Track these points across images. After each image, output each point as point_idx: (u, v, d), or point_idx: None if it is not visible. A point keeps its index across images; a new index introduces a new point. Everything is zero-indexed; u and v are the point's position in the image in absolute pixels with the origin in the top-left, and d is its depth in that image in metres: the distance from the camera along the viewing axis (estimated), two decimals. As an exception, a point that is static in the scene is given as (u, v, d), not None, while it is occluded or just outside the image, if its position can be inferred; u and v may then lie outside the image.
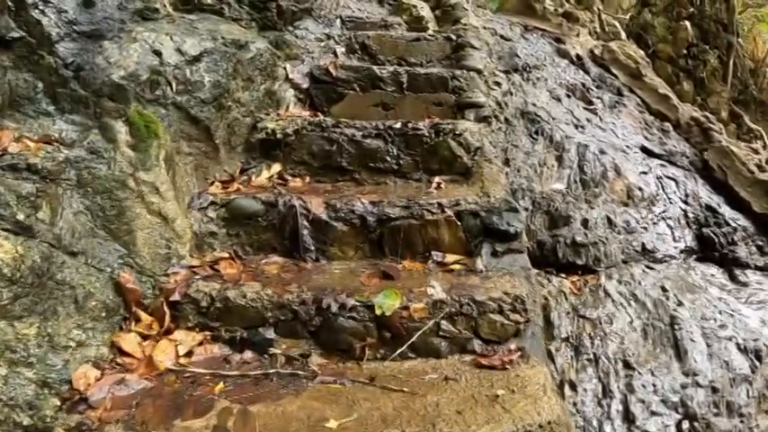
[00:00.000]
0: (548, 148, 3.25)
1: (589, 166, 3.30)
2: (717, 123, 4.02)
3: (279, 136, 2.63)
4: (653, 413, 2.57)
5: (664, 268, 3.19)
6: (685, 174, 3.67)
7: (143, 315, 1.93)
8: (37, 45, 2.12)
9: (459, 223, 2.22)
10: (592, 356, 2.60)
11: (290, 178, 2.58)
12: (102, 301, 1.87)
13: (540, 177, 3.11)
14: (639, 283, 2.97)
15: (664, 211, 3.42)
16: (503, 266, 2.16)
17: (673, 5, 5.25)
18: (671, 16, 5.31)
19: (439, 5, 4.18)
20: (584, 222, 3.04)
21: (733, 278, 3.48)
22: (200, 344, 1.87)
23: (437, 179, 2.54)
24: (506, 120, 3.21)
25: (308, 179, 2.60)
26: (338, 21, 3.59)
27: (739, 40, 5.46)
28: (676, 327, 2.81)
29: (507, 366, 1.82)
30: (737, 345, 2.94)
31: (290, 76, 3.02)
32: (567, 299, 2.75)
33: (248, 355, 1.85)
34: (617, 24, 4.99)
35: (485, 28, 3.77)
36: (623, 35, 4.98)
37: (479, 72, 3.11)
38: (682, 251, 3.40)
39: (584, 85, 4.02)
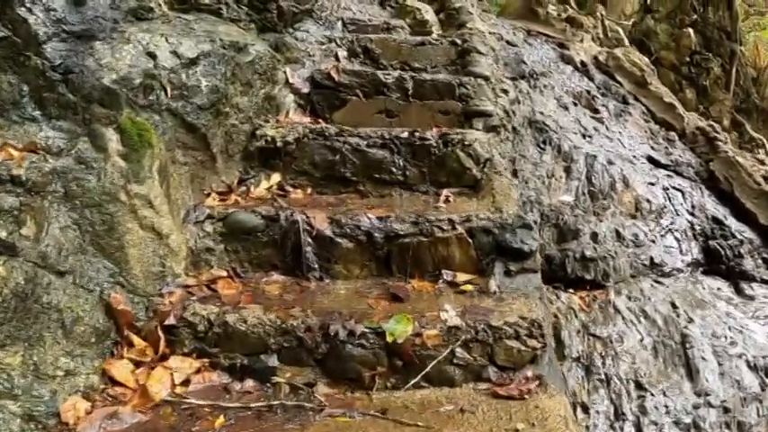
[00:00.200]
0: (556, 159, 3.16)
1: (597, 177, 3.21)
2: (722, 133, 3.96)
3: (279, 144, 2.51)
4: (666, 435, 2.49)
5: (672, 282, 3.12)
6: (692, 184, 3.60)
7: (136, 339, 1.80)
8: (23, 45, 1.98)
9: (470, 241, 2.12)
10: (603, 377, 2.51)
11: (290, 189, 2.46)
12: (92, 325, 1.74)
13: (549, 189, 3.02)
14: (649, 298, 2.89)
15: (671, 224, 3.34)
16: (517, 287, 2.05)
17: (676, 12, 5.19)
18: (674, 23, 5.26)
19: (443, 9, 4.07)
20: (594, 236, 2.96)
21: (739, 291, 3.42)
22: (198, 371, 1.75)
23: (445, 192, 2.44)
24: (514, 129, 3.11)
25: (309, 190, 2.47)
26: (339, 23, 3.46)
27: (742, 47, 5.42)
28: (688, 345, 2.73)
29: (525, 396, 1.71)
30: (747, 362, 2.89)
31: (291, 80, 2.89)
32: (576, 316, 2.66)
33: (249, 383, 1.73)
34: (620, 30, 4.92)
35: (490, 33, 3.66)
36: (626, 41, 4.91)
37: (487, 79, 3.01)
38: (689, 264, 3.33)
39: (589, 92, 3.94)
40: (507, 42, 3.84)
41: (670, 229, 3.31)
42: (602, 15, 4.91)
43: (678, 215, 3.43)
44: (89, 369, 1.69)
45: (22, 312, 1.58)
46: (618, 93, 4.13)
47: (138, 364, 1.75)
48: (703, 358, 2.71)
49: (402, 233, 2.09)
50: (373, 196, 2.46)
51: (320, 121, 2.86)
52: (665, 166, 3.64)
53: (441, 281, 2.09)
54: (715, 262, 3.43)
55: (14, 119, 1.89)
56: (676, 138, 3.95)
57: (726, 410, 2.66)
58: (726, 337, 2.87)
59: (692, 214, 3.48)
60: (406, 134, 2.52)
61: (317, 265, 2.08)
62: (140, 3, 2.46)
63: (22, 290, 1.59)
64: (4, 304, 1.51)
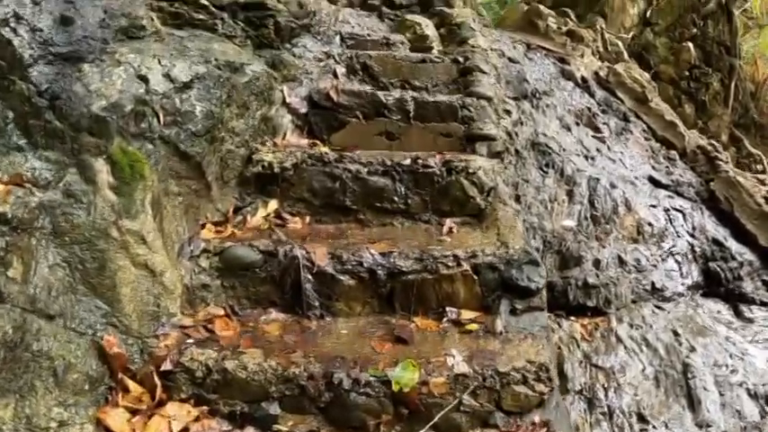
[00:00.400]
0: (558, 183, 3.10)
1: (600, 201, 3.16)
2: (723, 152, 3.93)
3: (276, 170, 2.42)
4: (668, 469, 2.46)
5: (672, 307, 3.08)
6: (692, 205, 3.57)
7: (131, 384, 1.73)
8: (8, 69, 1.88)
9: (476, 277, 2.06)
10: (606, 409, 2.47)
11: (288, 217, 2.38)
12: (85, 371, 1.66)
13: (551, 214, 2.97)
14: (651, 326, 2.85)
15: (672, 246, 3.30)
16: (523, 326, 2.00)
17: (675, 26, 5.16)
18: (673, 36, 5.23)
19: (444, 23, 3.98)
20: (596, 263, 2.91)
21: (738, 314, 3.40)
22: (197, 419, 1.68)
23: (448, 222, 2.37)
24: (517, 152, 3.05)
25: (308, 219, 2.40)
26: (338, 38, 3.37)
27: (740, 62, 5.41)
28: (689, 375, 2.70)
29: (534, 446, 1.67)
30: (748, 390, 2.85)
31: (288, 100, 2.80)
32: (579, 346, 2.62)
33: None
34: (620, 44, 4.88)
35: (492, 49, 3.59)
36: (626, 55, 4.86)
37: (489, 100, 2.94)
38: (689, 287, 3.29)
39: (589, 109, 3.88)
40: (509, 59, 3.77)
41: (671, 252, 3.28)
42: (601, 29, 4.86)
43: (679, 237, 3.40)
44: (83, 419, 1.61)
45: (11, 362, 1.50)
46: (619, 110, 4.08)
47: (134, 412, 1.67)
48: (705, 389, 2.68)
49: (406, 270, 2.03)
50: (374, 226, 2.39)
51: (318, 143, 2.77)
52: (665, 187, 3.60)
53: (445, 319, 2.03)
54: (715, 284, 3.39)
55: (-1, 148, 1.79)
56: (677, 156, 3.91)
57: (726, 441, 2.63)
58: (727, 366, 2.84)
59: (692, 236, 3.45)
60: (408, 161, 2.45)
61: (317, 303, 2.01)
62: (131, 21, 2.36)
63: (11, 339, 1.52)
64: (-9, 357, 1.44)
